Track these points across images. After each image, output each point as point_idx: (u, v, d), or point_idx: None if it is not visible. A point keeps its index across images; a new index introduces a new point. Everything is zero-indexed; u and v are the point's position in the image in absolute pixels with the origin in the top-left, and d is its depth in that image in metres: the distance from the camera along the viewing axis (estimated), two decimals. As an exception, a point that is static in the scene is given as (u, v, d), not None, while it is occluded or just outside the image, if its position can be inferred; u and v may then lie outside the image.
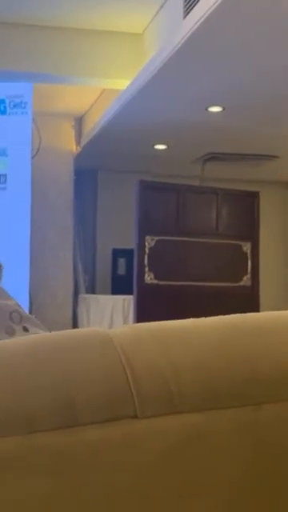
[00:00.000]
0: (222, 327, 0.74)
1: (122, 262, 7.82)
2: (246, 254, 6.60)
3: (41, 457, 0.65)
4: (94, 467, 0.67)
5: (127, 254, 7.14)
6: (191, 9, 4.57)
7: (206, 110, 5.81)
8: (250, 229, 6.66)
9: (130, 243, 6.52)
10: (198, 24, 4.30)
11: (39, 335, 0.86)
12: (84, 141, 7.50)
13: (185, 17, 4.72)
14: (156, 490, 0.68)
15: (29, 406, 0.66)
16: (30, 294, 6.82)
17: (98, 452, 0.68)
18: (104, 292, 7.81)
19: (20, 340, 0.78)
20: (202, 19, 4.20)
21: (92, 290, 8.00)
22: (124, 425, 0.68)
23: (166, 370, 0.70)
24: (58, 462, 0.67)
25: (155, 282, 6.21)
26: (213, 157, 7.16)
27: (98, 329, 0.73)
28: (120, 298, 6.84)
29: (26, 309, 6.81)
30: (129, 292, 6.51)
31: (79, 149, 7.69)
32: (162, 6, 5.57)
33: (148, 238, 6.24)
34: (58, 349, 0.70)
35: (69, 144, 7.78)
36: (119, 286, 7.57)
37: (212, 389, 0.70)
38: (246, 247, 6.62)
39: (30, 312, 6.80)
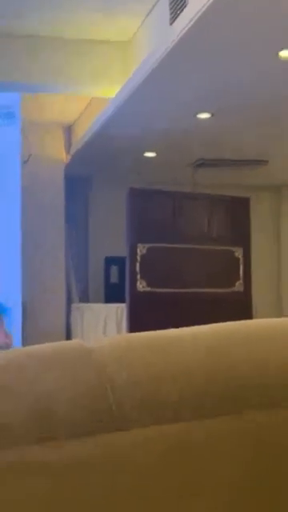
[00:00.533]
0: (204, 336, 0.73)
1: (114, 269, 7.81)
2: (238, 259, 6.61)
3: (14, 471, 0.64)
4: (76, 482, 0.67)
5: (120, 261, 7.13)
6: (178, 15, 4.58)
7: (195, 116, 5.82)
8: (241, 234, 6.67)
9: (123, 251, 6.51)
10: (185, 31, 4.31)
11: (19, 349, 0.86)
12: (74, 149, 7.50)
13: (171, 23, 4.73)
14: (136, 501, 0.67)
15: (7, 420, 0.65)
16: (23, 304, 6.80)
17: (80, 464, 0.67)
18: (97, 300, 7.80)
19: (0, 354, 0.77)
20: (189, 26, 4.21)
21: (85, 298, 7.98)
22: (105, 438, 0.68)
23: (146, 381, 0.69)
24: (42, 473, 0.66)
25: (148, 289, 6.20)
26: (203, 163, 7.17)
27: (79, 342, 0.72)
28: (113, 306, 6.82)
29: (19, 319, 6.72)
30: (122, 300, 6.50)
31: (69, 157, 7.69)
32: (148, 14, 5.58)
33: (140, 245, 6.24)
34: (38, 363, 0.70)
35: (59, 153, 7.78)
36: (112, 294, 7.56)
37: (193, 399, 0.69)
38: (238, 253, 6.62)
39: (24, 321, 6.78)
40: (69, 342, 0.73)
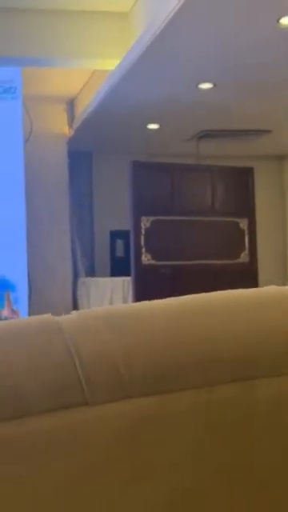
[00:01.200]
0: (173, 309, 0.73)
1: (120, 243, 7.80)
2: (243, 230, 6.58)
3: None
4: (45, 456, 0.67)
5: (125, 235, 7.12)
6: (176, -15, 4.51)
7: (197, 87, 5.76)
8: (245, 205, 6.64)
9: (128, 225, 6.50)
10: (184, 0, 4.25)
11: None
12: (77, 123, 7.46)
13: (170, -7, 4.65)
14: (107, 476, 0.67)
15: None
16: (28, 278, 6.82)
17: (48, 441, 0.67)
18: (103, 274, 7.81)
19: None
20: (187, -5, 4.15)
21: (91, 272, 7.99)
22: (74, 412, 0.67)
23: (115, 355, 0.69)
24: (7, 451, 0.66)
25: (152, 262, 6.20)
26: (206, 134, 7.12)
27: (48, 316, 0.72)
28: (119, 279, 6.83)
29: (25, 293, 6.74)
30: (128, 273, 6.50)
31: (72, 132, 7.64)
32: (147, -16, 5.50)
33: (144, 218, 6.22)
34: (4, 337, 0.69)
35: (61, 127, 7.74)
36: (118, 268, 7.56)
37: (163, 372, 0.69)
38: (243, 224, 6.60)
39: (30, 296, 6.81)
40: (40, 316, 0.73)
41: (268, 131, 7.11)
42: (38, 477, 0.66)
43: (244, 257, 6.59)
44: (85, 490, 0.67)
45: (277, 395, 0.74)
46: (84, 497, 0.67)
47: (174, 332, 0.71)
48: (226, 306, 0.75)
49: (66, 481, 0.66)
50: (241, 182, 6.69)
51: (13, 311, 6.36)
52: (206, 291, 0.82)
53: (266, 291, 0.79)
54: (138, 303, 0.75)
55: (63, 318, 0.71)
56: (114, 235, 7.84)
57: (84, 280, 7.68)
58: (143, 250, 6.21)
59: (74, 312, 0.72)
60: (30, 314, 6.65)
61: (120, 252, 7.79)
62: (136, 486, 0.67)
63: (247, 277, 6.35)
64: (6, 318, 6.07)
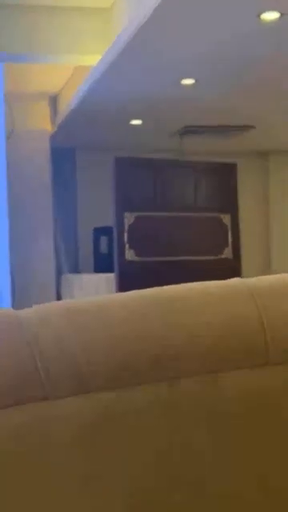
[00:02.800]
0: (134, 302, 0.72)
1: (103, 240, 7.78)
2: (226, 226, 6.59)
3: None
4: (4, 451, 0.66)
5: (109, 232, 7.11)
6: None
7: (179, 82, 5.75)
8: (229, 201, 6.64)
9: (112, 221, 6.48)
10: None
11: None
12: (59, 120, 7.43)
13: (151, -11, 4.64)
14: (67, 471, 0.66)
15: None
16: (11, 275, 6.79)
17: (8, 436, 0.66)
18: (87, 271, 7.79)
19: None
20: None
21: (75, 269, 7.97)
22: (34, 407, 0.67)
23: (75, 349, 0.68)
24: None
25: (136, 258, 6.20)
26: (189, 130, 7.11)
27: (6, 310, 0.71)
28: (103, 276, 6.82)
29: (8, 291, 6.70)
30: (112, 270, 6.49)
31: (55, 128, 7.61)
32: (129, -21, 5.49)
33: (127, 214, 6.21)
34: None
35: (44, 124, 7.70)
36: (102, 265, 7.55)
37: (124, 366, 0.68)
38: (226, 219, 6.60)
39: (13, 294, 6.78)
40: (0, 310, 0.72)
41: (251, 127, 7.12)
42: (-3, 473, 0.65)
43: (227, 252, 6.60)
44: (45, 487, 0.66)
45: (241, 389, 0.73)
46: (44, 493, 0.67)
47: (133, 326, 0.70)
48: (189, 299, 0.74)
49: (25, 477, 0.65)
50: (224, 178, 6.70)
51: (-4, 308, 6.32)
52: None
53: (230, 284, 0.79)
54: (99, 297, 0.74)
55: (23, 313, 0.70)
56: (98, 232, 7.82)
57: (67, 277, 7.66)
58: (127, 246, 6.20)
59: (35, 306, 0.71)
60: (13, 311, 6.61)
61: (104, 248, 7.77)
62: (96, 483, 0.67)
63: (230, 272, 6.35)
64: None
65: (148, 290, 0.74)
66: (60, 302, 0.73)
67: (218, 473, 0.71)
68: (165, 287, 0.75)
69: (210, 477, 0.71)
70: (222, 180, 6.72)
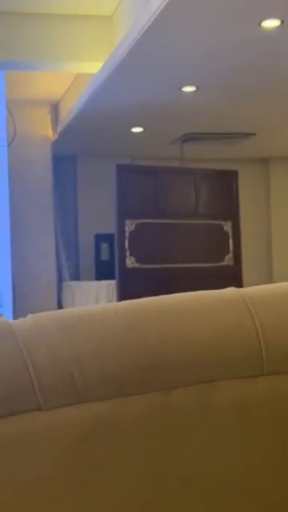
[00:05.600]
0: (128, 312, 0.72)
1: (105, 247, 7.78)
2: (227, 233, 6.58)
3: None
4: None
5: (110, 238, 7.10)
6: (158, -12, 4.51)
7: (180, 90, 5.76)
8: (230, 208, 6.63)
9: (113, 228, 6.48)
10: (165, 2, 4.25)
11: None
12: (60, 127, 7.44)
13: (152, -4, 4.65)
14: (60, 481, 0.66)
15: None
16: (13, 283, 6.79)
17: (1, 446, 0.66)
18: (88, 278, 7.78)
19: None
20: (168, -2, 4.15)
21: (76, 276, 7.96)
22: (27, 418, 0.66)
23: (69, 360, 0.68)
24: None
25: (137, 265, 6.18)
26: (190, 137, 7.11)
27: (3, 320, 0.71)
28: (104, 283, 6.81)
29: (9, 298, 6.70)
30: (113, 277, 6.48)
31: (56, 135, 7.62)
32: (130, -13, 5.50)
33: (128, 221, 6.20)
34: None
35: (45, 131, 7.71)
36: (103, 272, 7.54)
37: (118, 376, 0.68)
38: (227, 226, 6.59)
39: (14, 301, 6.78)
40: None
41: (252, 134, 7.12)
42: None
43: (228, 260, 6.58)
44: (38, 496, 0.66)
45: (236, 399, 0.73)
46: (37, 502, 0.66)
47: (127, 336, 0.70)
48: (184, 309, 0.74)
49: (19, 487, 0.65)
50: (225, 185, 6.69)
51: (-3, 315, 6.32)
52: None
53: (226, 294, 0.79)
54: (93, 306, 0.74)
55: (17, 323, 0.70)
56: (99, 238, 7.82)
57: (69, 284, 7.65)
58: (127, 253, 6.19)
59: (29, 316, 0.71)
60: (14, 318, 6.60)
61: (105, 255, 7.76)
62: (90, 492, 0.67)
63: (231, 280, 6.35)
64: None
65: (142, 299, 0.74)
66: (54, 311, 0.72)
67: (212, 482, 0.71)
68: (160, 297, 0.75)
69: (204, 486, 0.71)
70: (223, 187, 6.72)
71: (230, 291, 0.80)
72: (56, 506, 0.66)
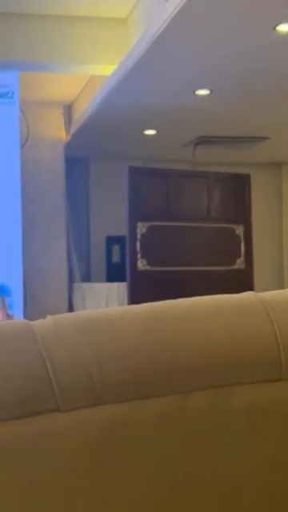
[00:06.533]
0: (147, 315, 0.72)
1: (116, 249, 7.78)
2: (239, 237, 6.57)
3: None
4: (15, 462, 0.66)
5: (121, 241, 7.11)
6: (173, -9, 4.51)
7: (194, 93, 5.76)
8: (242, 212, 6.62)
9: (124, 230, 6.48)
10: (181, 6, 4.25)
11: None
12: (73, 129, 7.45)
13: None
14: (76, 483, 0.66)
15: None
16: (24, 284, 6.80)
17: (20, 447, 0.66)
18: (99, 280, 7.78)
19: None
20: (184, 1, 4.15)
21: (87, 278, 7.97)
22: (46, 419, 0.67)
23: (87, 362, 0.68)
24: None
25: (148, 268, 6.19)
26: (203, 140, 7.11)
27: (20, 321, 0.71)
28: (114, 285, 6.82)
29: (20, 299, 6.72)
30: (124, 279, 6.49)
31: (69, 137, 7.64)
32: (145, -10, 5.51)
33: (140, 224, 6.21)
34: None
35: (58, 132, 7.73)
36: (114, 274, 7.55)
37: (136, 378, 0.68)
38: (239, 230, 6.59)
39: (25, 302, 6.79)
40: (13, 321, 0.72)
41: (265, 138, 7.11)
42: (7, 481, 0.65)
43: (240, 263, 6.58)
44: (56, 496, 0.66)
45: (254, 403, 0.73)
46: (55, 502, 0.66)
47: (145, 339, 0.70)
48: (202, 312, 0.74)
49: (37, 487, 0.65)
50: (237, 189, 6.68)
51: (8, 316, 6.33)
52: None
53: (244, 298, 0.79)
54: (111, 309, 0.74)
55: (37, 324, 0.71)
56: (110, 241, 7.83)
57: (79, 285, 7.66)
58: (139, 255, 6.20)
59: (49, 317, 0.71)
60: (25, 319, 6.61)
61: (116, 257, 7.77)
62: (107, 493, 0.67)
63: (243, 283, 6.34)
64: (0, 323, 6.04)
65: (161, 302, 0.74)
66: (73, 313, 0.73)
67: (228, 485, 0.71)
68: (178, 300, 0.75)
69: (219, 489, 0.71)
70: (236, 191, 6.71)
71: (249, 295, 0.80)
72: (73, 506, 0.66)
